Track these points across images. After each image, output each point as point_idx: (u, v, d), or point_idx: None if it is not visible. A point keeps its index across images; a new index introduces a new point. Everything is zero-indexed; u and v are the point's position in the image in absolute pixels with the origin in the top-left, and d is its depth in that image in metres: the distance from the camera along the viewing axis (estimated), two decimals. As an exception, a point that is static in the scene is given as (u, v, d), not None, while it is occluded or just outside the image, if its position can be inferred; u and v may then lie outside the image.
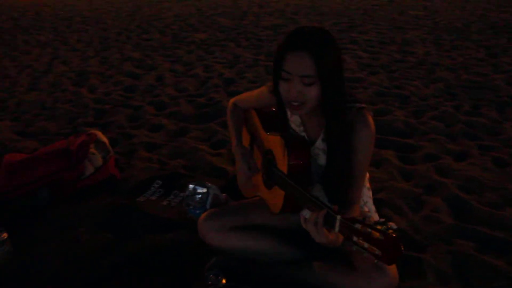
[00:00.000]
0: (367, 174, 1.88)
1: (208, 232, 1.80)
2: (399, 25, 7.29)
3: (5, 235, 1.93)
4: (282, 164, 1.64)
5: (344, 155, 1.59)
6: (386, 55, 5.34)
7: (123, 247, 2.00)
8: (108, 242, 2.04)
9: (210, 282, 1.63)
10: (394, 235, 1.10)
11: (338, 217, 1.26)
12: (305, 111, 1.56)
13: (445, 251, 1.93)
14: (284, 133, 1.74)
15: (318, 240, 1.36)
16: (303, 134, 1.74)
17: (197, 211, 2.00)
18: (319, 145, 1.69)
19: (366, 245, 1.16)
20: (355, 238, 1.19)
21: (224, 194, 2.12)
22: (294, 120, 1.76)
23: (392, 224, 1.15)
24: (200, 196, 2.07)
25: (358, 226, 1.19)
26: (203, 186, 2.06)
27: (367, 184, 1.89)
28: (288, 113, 1.75)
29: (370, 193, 1.90)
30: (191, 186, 2.09)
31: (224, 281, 1.64)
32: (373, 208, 1.91)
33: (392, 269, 1.60)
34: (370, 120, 1.60)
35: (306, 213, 1.36)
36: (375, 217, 1.94)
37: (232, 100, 2.04)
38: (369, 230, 1.15)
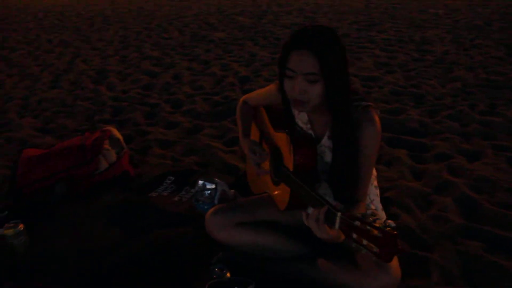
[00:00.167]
0: (375, 173, 1.89)
1: (214, 227, 1.84)
2: (419, 23, 7.21)
3: (21, 226, 2.00)
4: (288, 161, 1.66)
5: (350, 153, 1.60)
6: (404, 54, 5.30)
7: (134, 241, 2.05)
8: (120, 235, 2.10)
9: (214, 276, 1.66)
10: (391, 232, 1.11)
11: (338, 214, 1.28)
12: (309, 109, 1.58)
13: (452, 251, 1.92)
14: (291, 130, 1.76)
15: (320, 236, 1.38)
16: (310, 131, 1.76)
17: (205, 207, 2.04)
18: (325, 142, 1.71)
19: (364, 242, 1.17)
20: (354, 235, 1.21)
21: (232, 190, 2.16)
22: (301, 118, 1.78)
23: (391, 222, 1.16)
24: (209, 192, 2.11)
25: (357, 223, 1.20)
26: (212, 182, 2.10)
27: (375, 183, 1.90)
28: (295, 111, 1.77)
29: (377, 191, 1.91)
30: (200, 182, 2.13)
31: (228, 274, 1.67)
32: (380, 206, 1.92)
33: (395, 267, 1.61)
34: (376, 118, 1.60)
35: (309, 210, 1.39)
36: (382, 215, 1.95)
37: (242, 98, 2.07)
38: (368, 227, 1.16)
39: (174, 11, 10.03)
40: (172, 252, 1.96)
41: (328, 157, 1.71)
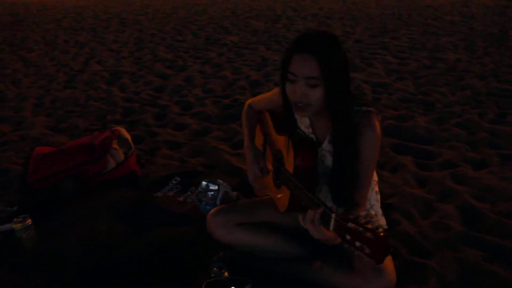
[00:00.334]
0: (376, 178, 1.90)
1: (215, 227, 1.87)
2: (433, 30, 7.18)
3: (29, 221, 2.06)
4: (289, 164, 1.69)
5: (350, 157, 1.62)
6: (416, 61, 5.29)
7: (137, 239, 2.11)
8: (124, 233, 2.16)
9: (213, 275, 1.70)
10: (382, 234, 1.14)
11: (333, 215, 1.31)
12: (310, 113, 1.61)
13: (451, 258, 1.92)
14: (293, 134, 1.79)
15: (317, 237, 1.41)
16: (312, 135, 1.78)
17: (208, 207, 2.08)
18: (325, 146, 1.73)
19: (357, 243, 1.20)
20: (347, 237, 1.23)
21: (235, 192, 2.20)
22: (304, 122, 1.81)
23: (383, 224, 1.19)
24: (212, 192, 2.15)
25: (350, 225, 1.23)
26: (215, 183, 2.14)
27: (376, 188, 1.91)
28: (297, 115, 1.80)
29: (378, 197, 1.92)
30: (204, 183, 2.17)
31: (226, 274, 1.71)
32: (380, 211, 1.93)
33: (390, 271, 1.63)
34: (377, 123, 1.62)
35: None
36: (382, 220, 1.96)
37: (248, 102, 2.11)
38: (360, 229, 1.19)
39: (190, 14, 10.13)
40: (173, 251, 2.00)
41: (328, 161, 1.73)
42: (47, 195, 2.43)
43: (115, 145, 2.62)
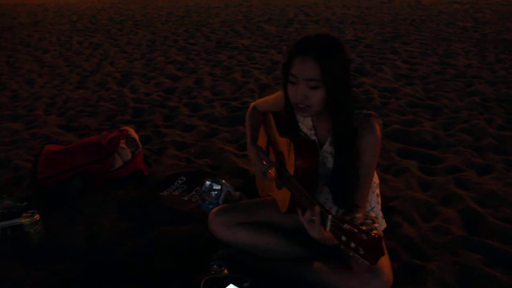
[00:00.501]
0: (377, 181, 1.93)
1: (216, 226, 1.91)
2: (445, 36, 7.15)
3: (37, 216, 2.13)
4: (290, 165, 1.73)
5: (350, 159, 1.64)
6: (426, 67, 5.28)
7: (141, 236, 2.16)
8: (129, 230, 2.21)
9: (212, 272, 1.73)
10: (376, 235, 1.16)
11: (329, 216, 1.33)
12: (311, 114, 1.64)
13: (450, 262, 1.93)
14: (295, 135, 1.83)
15: (314, 235, 1.43)
16: (314, 137, 1.81)
17: (211, 206, 2.12)
18: (327, 148, 1.76)
19: (352, 244, 1.22)
20: (343, 238, 1.26)
21: (238, 192, 2.23)
22: (306, 124, 1.84)
23: (377, 225, 1.21)
24: (215, 192, 2.19)
25: (346, 226, 1.25)
26: (218, 183, 2.18)
27: (377, 191, 1.93)
28: (300, 117, 1.83)
29: (378, 199, 1.95)
30: (207, 182, 2.21)
31: (226, 271, 1.74)
32: (380, 214, 1.95)
33: (387, 273, 1.65)
34: (377, 126, 1.64)
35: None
36: (382, 223, 1.98)
37: (252, 103, 2.15)
38: (355, 230, 1.21)
39: (203, 18, 10.23)
40: (176, 248, 2.05)
41: (330, 162, 1.76)
42: (56, 192, 2.49)
43: (122, 145, 2.68)
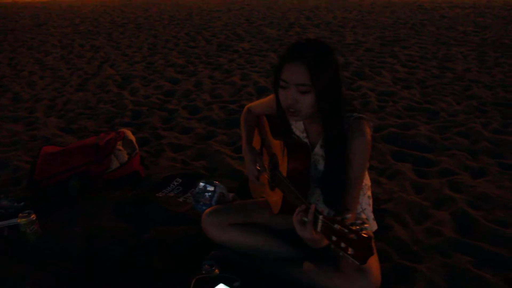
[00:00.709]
0: (368, 183, 1.95)
1: (209, 226, 1.93)
2: (445, 40, 7.18)
3: (33, 216, 2.15)
4: (283, 167, 1.75)
5: (340, 162, 1.67)
6: (424, 70, 5.30)
7: (137, 236, 2.19)
8: (123, 230, 2.24)
9: (204, 272, 1.76)
10: (365, 235, 1.18)
11: (320, 217, 1.36)
12: (301, 118, 1.67)
13: (440, 264, 1.95)
14: (287, 138, 1.85)
15: (303, 235, 1.46)
16: (306, 140, 1.84)
17: (204, 207, 2.14)
18: (318, 151, 1.79)
19: (342, 244, 1.25)
20: (334, 238, 1.28)
21: (231, 194, 2.26)
22: (298, 127, 1.87)
23: (367, 226, 1.24)
24: (209, 193, 2.21)
25: (336, 226, 1.28)
26: (212, 184, 2.21)
27: (368, 193, 1.95)
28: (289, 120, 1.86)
29: (370, 201, 1.96)
30: (201, 184, 2.24)
31: (217, 271, 1.76)
32: (371, 216, 1.97)
33: (375, 274, 1.67)
34: (367, 130, 1.67)
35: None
36: (373, 225, 2.00)
37: (247, 106, 2.17)
38: (346, 230, 1.24)
39: (204, 21, 10.28)
40: (170, 248, 2.07)
41: (321, 165, 1.78)
42: (54, 192, 2.52)
43: (119, 146, 2.71)
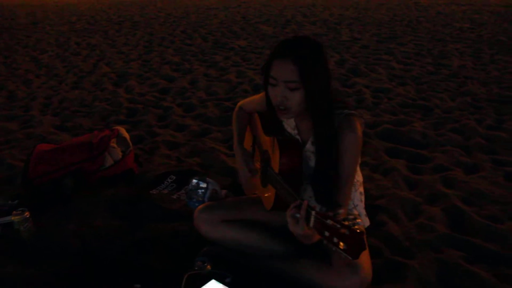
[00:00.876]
0: (360, 179, 1.96)
1: (201, 223, 1.94)
2: (440, 37, 7.19)
3: (27, 214, 2.15)
4: (275, 164, 1.76)
5: (331, 159, 1.67)
6: (420, 67, 5.31)
7: (131, 233, 2.19)
8: (117, 227, 2.24)
9: (196, 268, 1.77)
10: (358, 230, 1.19)
11: (313, 212, 1.36)
12: (291, 116, 1.68)
13: (432, 259, 1.95)
14: (278, 135, 1.86)
15: (295, 231, 1.46)
16: (297, 137, 1.85)
17: (197, 204, 2.15)
18: (309, 147, 1.79)
19: (335, 240, 1.25)
20: (326, 233, 1.29)
21: (224, 190, 2.26)
22: (290, 124, 1.87)
23: (359, 221, 1.24)
24: (202, 190, 2.22)
25: (329, 222, 1.28)
26: (204, 181, 2.21)
27: (360, 189, 1.96)
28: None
29: (362, 198, 1.97)
30: (194, 180, 2.25)
31: (209, 267, 1.77)
32: (363, 212, 1.98)
33: (366, 269, 1.68)
34: (358, 126, 1.67)
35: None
36: (365, 221, 2.01)
37: (239, 104, 2.18)
38: (338, 225, 1.24)
39: (201, 19, 10.27)
40: (163, 245, 2.08)
41: (313, 162, 1.79)
42: (48, 190, 2.52)
43: (113, 144, 2.71)
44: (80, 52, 6.84)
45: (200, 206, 1.99)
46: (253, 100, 2.08)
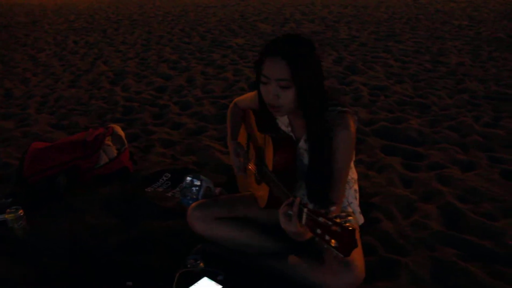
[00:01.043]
0: (355, 176, 1.95)
1: (195, 221, 1.93)
2: (439, 35, 7.16)
3: (21, 212, 2.15)
4: (269, 161, 1.75)
5: (324, 156, 1.66)
6: (417, 65, 5.30)
7: (124, 231, 2.19)
8: (112, 225, 2.24)
9: (189, 266, 1.76)
10: (350, 228, 1.18)
11: (305, 209, 1.36)
12: (284, 113, 1.68)
13: (426, 257, 1.94)
14: (273, 132, 1.85)
15: (287, 228, 1.45)
16: (291, 134, 1.84)
17: (190, 202, 2.14)
18: (302, 145, 1.79)
19: (327, 237, 1.25)
20: (318, 231, 1.28)
21: (218, 188, 2.25)
22: (283, 121, 1.86)
23: (351, 218, 1.23)
24: (196, 188, 2.21)
25: (321, 219, 1.28)
26: (198, 178, 2.20)
27: (355, 186, 1.95)
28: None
29: (356, 195, 1.97)
30: (188, 178, 2.24)
31: (202, 265, 1.76)
32: (358, 209, 1.98)
33: (359, 267, 1.66)
34: (351, 123, 1.66)
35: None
36: (360, 218, 2.00)
37: (234, 100, 2.17)
38: (330, 223, 1.23)
39: (199, 17, 10.25)
40: (157, 242, 2.07)
41: (306, 159, 1.78)
42: (42, 188, 2.52)
43: (108, 142, 2.71)
44: (78, 50, 6.83)
45: (194, 204, 1.98)
46: (247, 97, 2.07)
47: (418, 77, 4.79)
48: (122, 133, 2.85)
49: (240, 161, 1.94)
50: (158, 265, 1.90)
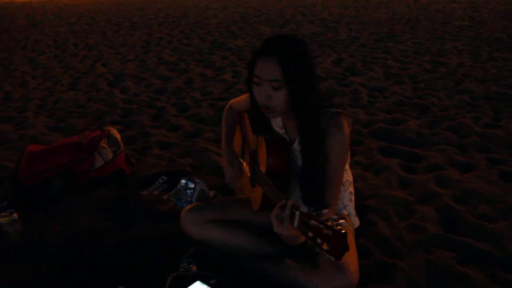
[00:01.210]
0: (350, 179, 1.93)
1: (188, 223, 1.91)
2: (439, 35, 7.14)
3: (15, 215, 2.14)
4: (262, 163, 1.74)
5: (318, 158, 1.65)
6: (417, 66, 5.27)
7: (118, 234, 2.17)
8: (106, 228, 2.22)
9: (181, 269, 1.74)
10: (342, 231, 1.17)
11: (297, 212, 1.34)
12: (276, 115, 1.66)
13: (422, 260, 1.92)
14: (267, 134, 1.84)
15: (280, 231, 1.44)
16: (285, 136, 1.82)
17: (185, 204, 2.13)
18: (296, 146, 1.77)
19: (319, 240, 1.23)
20: (310, 234, 1.27)
21: (212, 191, 2.24)
22: (277, 123, 1.85)
23: (342, 221, 1.21)
24: (191, 191, 2.20)
25: (313, 222, 1.26)
26: (192, 181, 2.19)
27: (350, 189, 1.94)
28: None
29: (352, 197, 1.95)
30: (183, 181, 2.23)
31: (195, 268, 1.75)
32: (353, 212, 1.96)
33: (353, 270, 1.64)
34: (345, 124, 1.65)
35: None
36: (355, 221, 1.98)
37: (229, 103, 2.16)
38: (321, 226, 1.22)
39: (199, 19, 10.25)
40: (151, 245, 2.05)
41: (300, 161, 1.76)
42: (37, 191, 2.51)
43: (104, 144, 2.69)
44: (78, 53, 6.83)
45: (188, 207, 1.97)
46: (242, 99, 2.06)
47: (418, 78, 4.77)
48: (118, 135, 2.83)
49: (233, 171, 1.94)
50: (151, 268, 1.89)
